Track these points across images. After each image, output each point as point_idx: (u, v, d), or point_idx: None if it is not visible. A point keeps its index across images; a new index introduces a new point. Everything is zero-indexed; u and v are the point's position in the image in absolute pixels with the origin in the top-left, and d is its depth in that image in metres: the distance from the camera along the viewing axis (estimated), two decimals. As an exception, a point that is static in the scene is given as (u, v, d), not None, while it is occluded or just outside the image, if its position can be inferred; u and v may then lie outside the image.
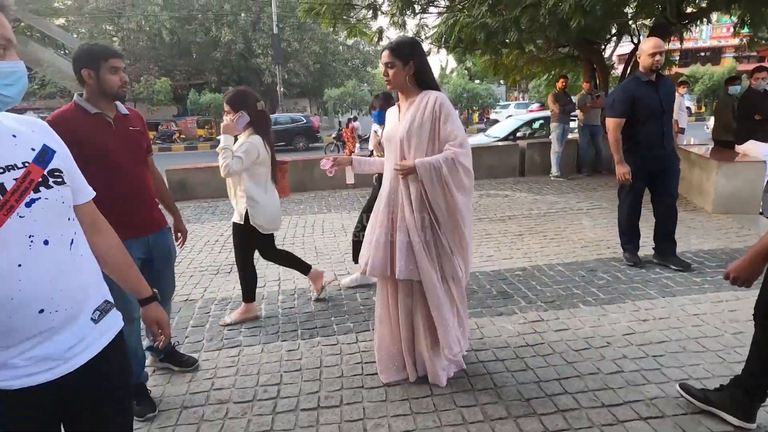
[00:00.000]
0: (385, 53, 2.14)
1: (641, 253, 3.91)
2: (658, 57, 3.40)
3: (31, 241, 1.00)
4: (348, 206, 6.48)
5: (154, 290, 1.39)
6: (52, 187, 1.05)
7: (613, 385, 2.26)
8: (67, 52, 25.73)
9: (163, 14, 22.41)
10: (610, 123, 3.62)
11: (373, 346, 2.55)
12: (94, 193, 1.23)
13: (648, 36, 8.26)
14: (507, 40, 6.17)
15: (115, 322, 1.23)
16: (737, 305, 2.99)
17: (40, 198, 1.02)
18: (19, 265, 0.98)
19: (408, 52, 2.13)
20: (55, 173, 1.07)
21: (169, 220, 2.47)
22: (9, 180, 0.98)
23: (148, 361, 2.55)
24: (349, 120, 15.55)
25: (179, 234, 2.52)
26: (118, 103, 2.10)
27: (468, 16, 5.70)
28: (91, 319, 1.14)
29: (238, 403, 2.28)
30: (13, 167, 1.00)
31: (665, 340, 2.62)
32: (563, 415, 2.07)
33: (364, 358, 2.62)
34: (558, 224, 5.09)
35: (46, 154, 1.06)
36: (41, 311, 1.01)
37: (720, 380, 2.24)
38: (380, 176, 2.72)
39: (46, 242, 1.02)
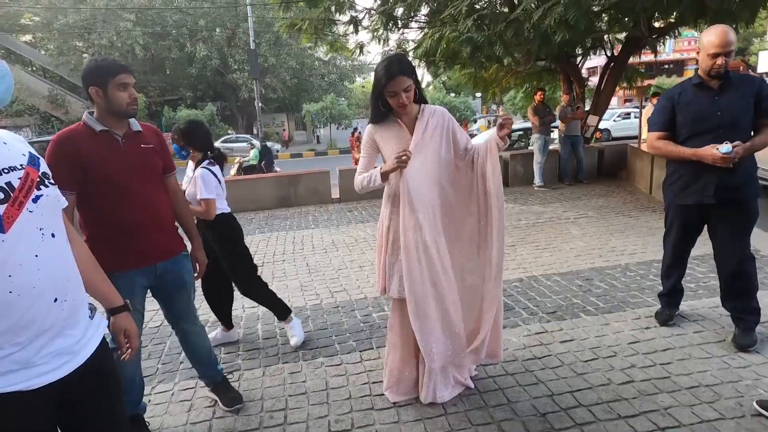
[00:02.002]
0: (400, 79, 1.96)
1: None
2: (720, 61, 2.36)
3: (42, 234, 1.08)
4: (336, 221, 6.41)
5: (126, 300, 1.42)
6: (48, 186, 1.13)
7: (626, 395, 2.25)
8: (34, 69, 25.04)
9: (136, 30, 22.06)
10: (647, 140, 2.77)
11: (384, 368, 2.48)
12: (67, 203, 1.27)
13: (621, 50, 8.57)
14: (494, 54, 6.27)
15: (102, 321, 1.29)
16: (733, 310, 3.04)
17: (42, 195, 1.10)
18: (36, 256, 1.05)
19: (413, 69, 2.06)
20: (46, 175, 1.15)
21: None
22: (15, 179, 1.06)
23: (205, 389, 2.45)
24: (355, 129, 16.02)
25: (197, 263, 2.29)
26: (131, 119, 1.96)
27: (453, 30, 5.78)
28: (88, 316, 1.22)
29: (243, 432, 2.18)
30: (14, 168, 1.07)
31: (670, 348, 2.64)
32: (581, 429, 2.04)
33: (371, 377, 2.55)
34: (548, 234, 5.14)
35: (35, 159, 1.14)
36: (55, 300, 1.09)
37: (729, 386, 2.26)
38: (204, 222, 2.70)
39: (53, 235, 1.11)
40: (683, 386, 2.28)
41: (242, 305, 3.66)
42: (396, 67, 1.98)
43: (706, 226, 2.70)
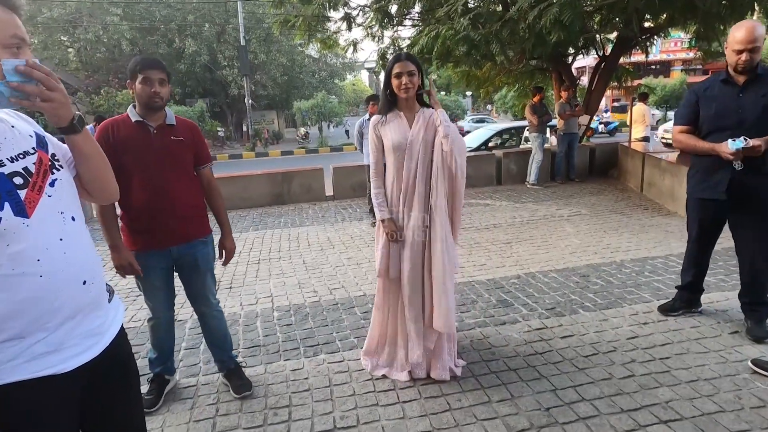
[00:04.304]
0: (404, 62, 2.22)
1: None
2: (744, 57, 2.39)
3: (63, 217, 1.07)
4: (330, 218, 6.39)
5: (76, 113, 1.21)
6: (60, 169, 1.11)
7: (628, 389, 2.28)
8: (18, 63, 24.44)
9: (123, 25, 21.70)
10: (672, 133, 2.78)
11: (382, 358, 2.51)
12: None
13: (612, 49, 8.66)
14: (490, 52, 6.30)
15: (120, 304, 1.28)
16: (728, 305, 3.11)
17: (57, 178, 1.09)
18: (61, 239, 1.04)
19: (419, 64, 2.30)
20: (55, 157, 1.12)
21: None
22: (30, 164, 1.04)
23: (217, 378, 2.58)
24: None
25: (223, 250, 2.43)
26: (168, 112, 2.17)
27: (450, 28, 5.79)
28: (107, 299, 1.20)
29: (248, 429, 2.16)
30: (27, 153, 1.05)
31: (668, 343, 2.68)
32: (585, 423, 2.06)
33: (374, 374, 2.55)
34: (543, 231, 5.18)
35: (42, 140, 1.12)
36: (84, 282, 1.08)
37: (728, 380, 2.31)
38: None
39: (73, 218, 1.10)
40: (683, 380, 2.32)
41: (240, 303, 3.64)
42: (404, 54, 2.30)
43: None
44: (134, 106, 2.13)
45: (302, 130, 24.36)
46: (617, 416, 2.10)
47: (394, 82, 2.25)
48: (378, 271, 2.44)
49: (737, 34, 2.42)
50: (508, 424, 2.09)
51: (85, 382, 1.11)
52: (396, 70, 2.23)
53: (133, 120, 2.10)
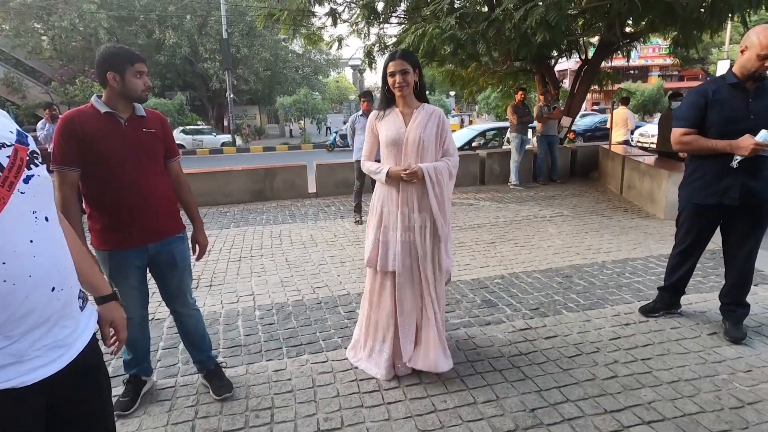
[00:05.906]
0: (398, 61, 2.24)
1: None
2: None
3: (36, 218, 1.00)
4: (313, 216, 6.31)
5: (114, 289, 1.38)
6: (39, 165, 1.05)
7: (611, 390, 2.30)
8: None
9: (100, 13, 21.10)
10: (673, 135, 2.63)
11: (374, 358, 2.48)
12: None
13: (595, 53, 8.79)
14: (476, 52, 6.31)
15: (93, 313, 1.21)
16: (706, 306, 3.17)
17: (34, 175, 1.01)
18: (31, 241, 0.97)
19: (415, 61, 2.31)
20: (35, 154, 1.06)
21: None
22: (3, 157, 0.96)
23: (196, 379, 2.49)
24: None
25: (197, 245, 2.37)
26: (136, 104, 2.07)
27: (436, 27, 5.78)
28: (79, 306, 1.13)
29: (229, 432, 2.10)
30: (3, 146, 0.98)
31: (650, 344, 2.72)
32: (570, 424, 2.07)
33: (359, 375, 2.51)
34: (526, 232, 5.22)
35: (23, 136, 1.06)
36: (53, 289, 1.01)
37: (707, 381, 2.35)
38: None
39: (46, 219, 1.03)
40: (664, 381, 2.35)
41: (220, 301, 3.55)
42: (399, 52, 2.31)
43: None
44: (99, 97, 2.01)
45: (302, 122, 24.81)
46: (601, 417, 2.11)
47: (389, 80, 2.28)
48: (366, 260, 2.44)
49: (765, 40, 2.23)
50: (493, 426, 2.08)
51: (51, 392, 1.04)
52: (390, 69, 2.26)
53: (102, 111, 1.97)
